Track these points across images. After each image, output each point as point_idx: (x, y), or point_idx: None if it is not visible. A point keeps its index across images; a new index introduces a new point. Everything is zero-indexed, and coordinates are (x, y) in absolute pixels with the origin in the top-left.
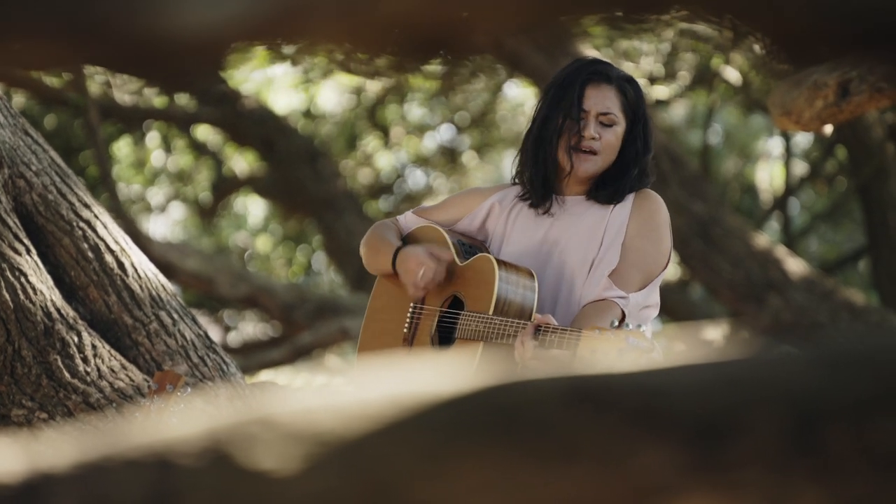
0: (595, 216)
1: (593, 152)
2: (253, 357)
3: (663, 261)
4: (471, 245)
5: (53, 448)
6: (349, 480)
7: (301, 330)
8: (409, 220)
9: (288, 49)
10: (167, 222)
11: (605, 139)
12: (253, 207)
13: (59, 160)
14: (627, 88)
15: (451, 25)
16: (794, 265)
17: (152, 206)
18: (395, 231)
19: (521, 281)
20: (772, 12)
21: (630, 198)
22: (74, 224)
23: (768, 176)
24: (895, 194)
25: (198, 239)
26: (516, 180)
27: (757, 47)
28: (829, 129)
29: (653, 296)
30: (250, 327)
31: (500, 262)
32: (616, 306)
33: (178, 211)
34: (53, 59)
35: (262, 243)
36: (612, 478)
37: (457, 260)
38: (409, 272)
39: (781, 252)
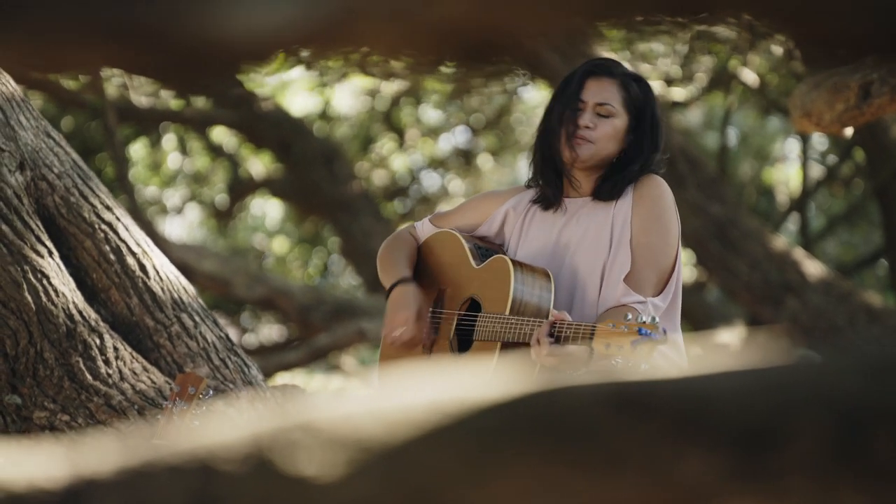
0: (600, 216)
1: (587, 140)
2: (270, 359)
3: (673, 251)
4: (487, 248)
5: (96, 454)
6: (391, 487)
7: (318, 332)
8: (426, 228)
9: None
10: (183, 224)
11: (600, 129)
12: (269, 209)
13: (80, 162)
14: (631, 85)
15: (502, 29)
16: (812, 267)
17: (168, 207)
18: (408, 248)
19: (537, 281)
20: (808, 15)
21: (629, 190)
22: (96, 226)
23: (785, 178)
24: None
25: (214, 241)
26: (531, 183)
27: (788, 49)
28: (849, 131)
29: (673, 299)
30: (266, 329)
31: (516, 263)
32: (635, 311)
33: (194, 213)
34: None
35: (279, 245)
36: (657, 485)
37: (472, 263)
38: (392, 324)
39: (799, 254)
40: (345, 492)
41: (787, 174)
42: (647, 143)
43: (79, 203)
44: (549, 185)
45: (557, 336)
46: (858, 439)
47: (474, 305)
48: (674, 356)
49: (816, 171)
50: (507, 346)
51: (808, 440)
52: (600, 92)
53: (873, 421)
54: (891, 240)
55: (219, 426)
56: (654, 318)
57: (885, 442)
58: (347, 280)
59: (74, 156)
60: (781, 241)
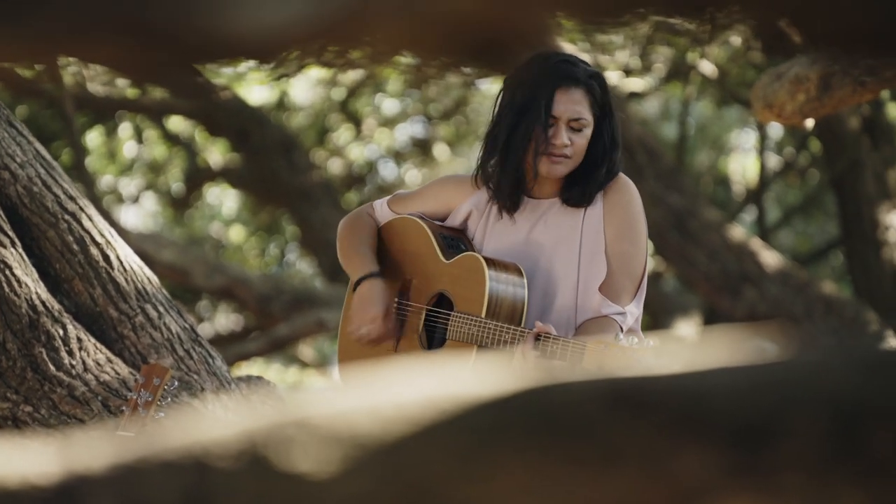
0: (570, 222)
1: (565, 157)
2: (227, 349)
3: (644, 255)
4: (453, 238)
5: (89, 450)
6: (387, 483)
7: (277, 322)
8: (384, 210)
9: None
10: (139, 213)
11: (576, 144)
12: (226, 198)
13: (44, 152)
14: (595, 87)
15: (509, 24)
16: (770, 258)
17: (124, 196)
18: (370, 232)
19: (511, 279)
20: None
21: (599, 196)
22: (59, 216)
23: (741, 168)
24: (870, 187)
25: (170, 230)
26: (481, 184)
27: (747, 40)
28: (810, 122)
29: (643, 297)
30: (223, 319)
31: (489, 261)
32: (615, 323)
33: (150, 202)
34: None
35: (235, 234)
36: (653, 481)
37: (440, 256)
38: (359, 320)
39: (757, 244)
40: (340, 488)
41: (744, 164)
42: (608, 140)
43: (42, 193)
44: (507, 196)
45: (543, 349)
46: (855, 436)
47: (443, 300)
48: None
49: (772, 161)
50: (484, 350)
51: (804, 437)
52: (572, 105)
53: (870, 418)
54: (847, 230)
55: (212, 422)
56: (649, 342)
57: (881, 439)
58: (304, 269)
59: (37, 145)
60: (739, 231)
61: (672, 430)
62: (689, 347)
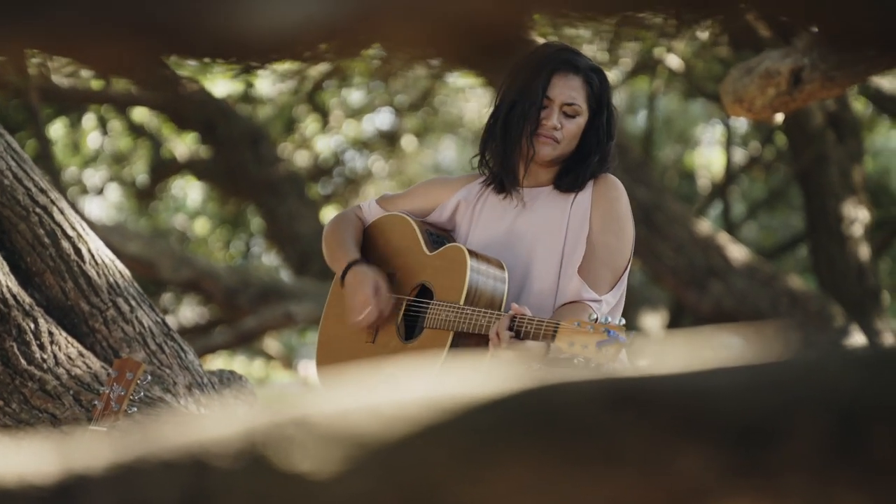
0: (558, 206)
1: (554, 140)
2: (193, 342)
3: (628, 252)
4: (438, 235)
5: (88, 449)
6: (387, 483)
7: (244, 314)
8: (372, 209)
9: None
10: (103, 204)
11: (566, 129)
12: (190, 190)
13: (15, 145)
14: (594, 79)
15: (518, 23)
16: (736, 251)
17: (88, 188)
18: (354, 229)
19: (492, 272)
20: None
21: (589, 185)
22: (30, 209)
23: (706, 162)
24: (835, 181)
25: (134, 221)
26: (482, 169)
27: (714, 35)
28: (780, 117)
29: (621, 291)
30: (188, 311)
31: (472, 253)
32: (590, 309)
33: (114, 193)
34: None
35: (200, 226)
36: (654, 482)
37: (425, 249)
38: (353, 307)
39: (723, 238)
40: (340, 488)
41: (709, 158)
42: (603, 135)
43: (13, 186)
44: (509, 173)
45: (517, 330)
46: (856, 436)
47: (424, 292)
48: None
49: (738, 155)
50: (460, 335)
51: (805, 437)
52: (568, 91)
53: (871, 418)
54: (812, 224)
55: (211, 421)
56: (621, 320)
57: (882, 439)
58: (269, 262)
59: (8, 138)
60: (706, 225)
61: (673, 431)
62: (670, 343)
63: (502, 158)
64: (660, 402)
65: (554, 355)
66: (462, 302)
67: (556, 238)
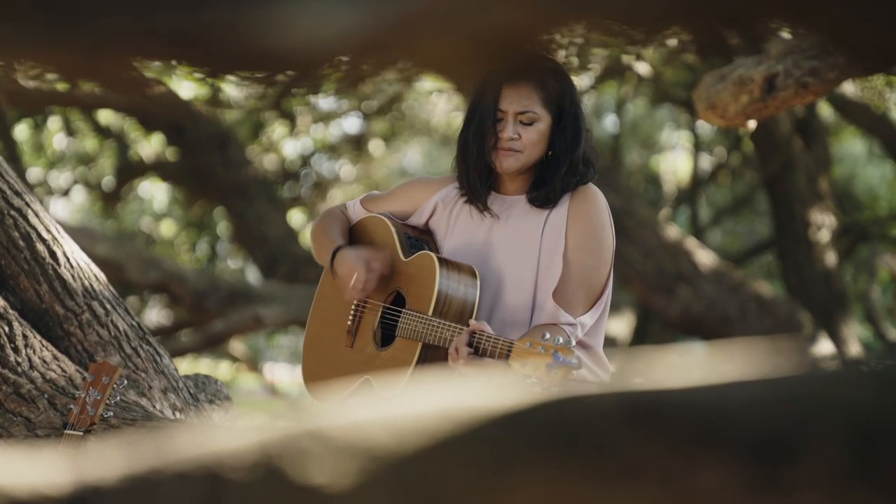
0: (532, 221)
1: (514, 150)
2: (162, 344)
3: (605, 269)
4: (417, 238)
5: (101, 460)
6: (402, 496)
7: (212, 317)
8: (357, 209)
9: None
10: (68, 206)
11: (525, 138)
12: (156, 192)
13: None
14: (549, 82)
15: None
16: (704, 257)
17: (53, 189)
18: (341, 223)
19: (463, 279)
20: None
21: (566, 199)
22: (5, 212)
23: (672, 167)
24: (802, 188)
25: (100, 224)
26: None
27: (682, 42)
28: (753, 124)
29: (601, 314)
30: (153, 314)
31: (442, 261)
32: (555, 331)
33: (79, 195)
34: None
35: (166, 229)
36: (671, 497)
37: (400, 255)
38: (342, 277)
39: (691, 244)
40: (355, 501)
41: (675, 164)
42: (569, 138)
43: None
44: (475, 190)
45: (476, 347)
46: (873, 451)
47: (399, 299)
48: (598, 370)
49: (704, 161)
50: (428, 347)
51: (823, 452)
52: (518, 100)
53: (889, 433)
54: (779, 230)
55: (226, 433)
56: (569, 342)
57: None
58: (234, 265)
59: None
60: (675, 230)
61: (691, 446)
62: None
63: (466, 176)
64: (677, 417)
65: (512, 375)
66: (430, 312)
67: (530, 254)
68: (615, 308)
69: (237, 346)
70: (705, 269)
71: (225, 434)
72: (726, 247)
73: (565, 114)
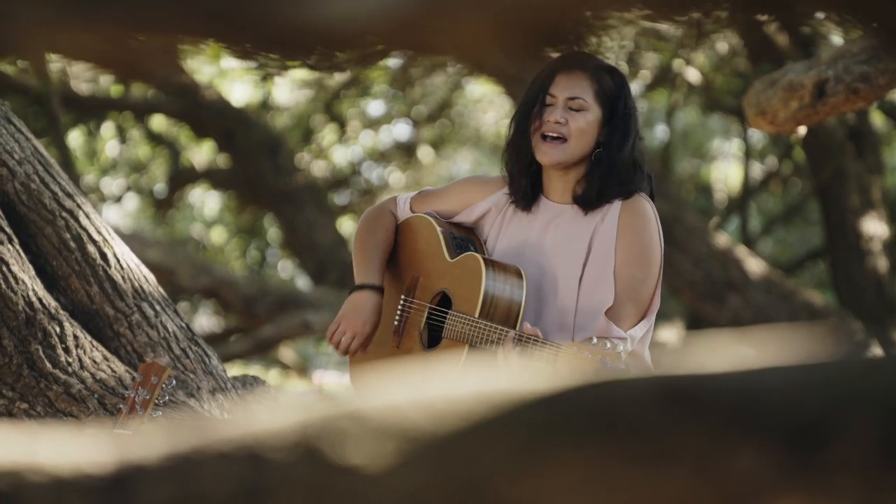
0: (581, 227)
1: (561, 138)
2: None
3: (653, 283)
4: (463, 238)
5: (144, 440)
6: (440, 477)
7: (262, 323)
8: (407, 206)
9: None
10: (120, 213)
11: (573, 125)
12: (207, 199)
13: (41, 149)
14: (604, 77)
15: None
16: (754, 265)
17: (106, 196)
18: (386, 232)
19: (509, 280)
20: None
21: (616, 209)
22: (57, 213)
23: (723, 176)
24: (854, 196)
25: (152, 230)
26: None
27: (732, 47)
28: (803, 130)
29: (650, 323)
30: (204, 319)
31: (488, 262)
32: (603, 339)
33: (132, 202)
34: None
35: (217, 235)
36: (707, 480)
37: (446, 255)
38: (342, 324)
39: (742, 252)
40: (393, 482)
41: (726, 172)
42: (619, 135)
43: (39, 190)
44: (523, 187)
45: (524, 349)
46: None
47: (446, 299)
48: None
49: (756, 170)
50: (475, 349)
51: (858, 437)
52: (570, 86)
53: None
54: (831, 239)
55: (266, 414)
56: (616, 348)
57: None
58: (285, 271)
59: (35, 142)
60: (724, 238)
61: (727, 430)
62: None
63: (515, 169)
64: (714, 401)
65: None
66: (477, 314)
67: (577, 258)
68: (665, 316)
69: (287, 353)
70: (755, 278)
71: (265, 415)
72: (778, 256)
73: (617, 113)
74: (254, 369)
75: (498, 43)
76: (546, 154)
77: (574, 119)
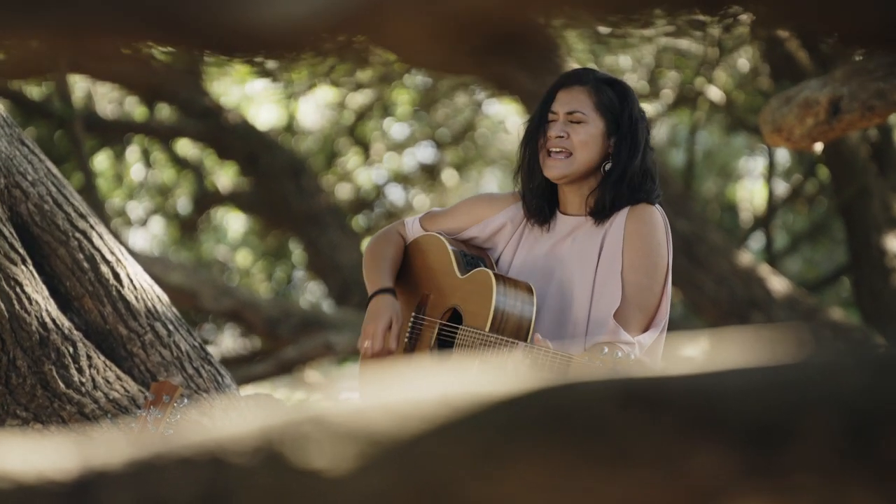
0: (591, 238)
1: (565, 153)
2: (234, 371)
3: (659, 289)
4: (473, 256)
5: (106, 446)
6: (402, 480)
7: (285, 345)
8: (415, 227)
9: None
10: (146, 236)
11: (574, 138)
12: (232, 222)
13: (55, 170)
14: (604, 89)
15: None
16: (778, 283)
17: (132, 219)
18: (394, 250)
19: (520, 296)
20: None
21: (623, 215)
22: (70, 234)
23: (749, 195)
24: (878, 214)
25: (177, 253)
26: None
27: (754, 66)
28: (819, 146)
29: (660, 329)
30: (229, 341)
31: (499, 277)
32: (613, 346)
33: (157, 225)
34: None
35: (242, 258)
36: (667, 481)
37: (457, 272)
38: (364, 334)
39: (765, 270)
40: (355, 485)
41: (751, 191)
42: (627, 147)
43: (52, 211)
44: (538, 205)
45: (533, 359)
46: (868, 437)
47: (456, 316)
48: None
49: (780, 188)
50: (486, 363)
51: (817, 438)
52: (569, 101)
53: (882, 419)
54: (855, 258)
55: (228, 419)
56: (627, 357)
57: (893, 440)
58: (310, 294)
59: (49, 164)
60: (747, 257)
61: (686, 431)
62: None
63: (528, 185)
64: (672, 402)
65: None
66: (488, 328)
67: (588, 269)
68: (689, 335)
69: (312, 375)
70: (778, 296)
71: (227, 420)
72: (804, 274)
73: (623, 125)
74: (279, 393)
75: (438, 41)
76: (552, 168)
77: (575, 132)
